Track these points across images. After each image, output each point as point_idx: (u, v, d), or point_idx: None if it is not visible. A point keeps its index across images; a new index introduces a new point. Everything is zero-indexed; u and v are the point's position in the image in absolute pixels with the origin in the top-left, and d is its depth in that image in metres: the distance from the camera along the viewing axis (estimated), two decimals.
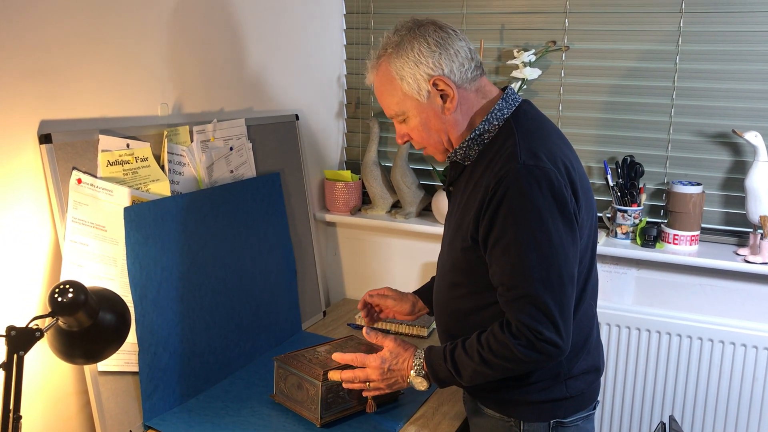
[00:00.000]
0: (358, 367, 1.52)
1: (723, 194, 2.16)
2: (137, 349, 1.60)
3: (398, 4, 2.49)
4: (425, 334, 2.19)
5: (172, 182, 1.75)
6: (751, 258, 2.02)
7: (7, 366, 1.14)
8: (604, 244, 2.17)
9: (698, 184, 2.10)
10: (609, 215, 2.24)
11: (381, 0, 2.51)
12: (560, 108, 2.30)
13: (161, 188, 1.71)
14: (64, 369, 1.53)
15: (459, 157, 1.45)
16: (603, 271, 2.25)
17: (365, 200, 2.61)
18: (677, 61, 2.13)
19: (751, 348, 2.03)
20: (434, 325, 2.18)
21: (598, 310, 2.17)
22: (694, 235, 2.11)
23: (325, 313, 2.41)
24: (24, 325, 1.17)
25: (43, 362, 1.48)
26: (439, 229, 2.32)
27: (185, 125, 1.81)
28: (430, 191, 2.49)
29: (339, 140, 2.65)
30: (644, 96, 2.19)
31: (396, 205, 2.55)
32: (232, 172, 1.97)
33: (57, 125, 1.50)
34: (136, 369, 1.61)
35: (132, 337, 1.58)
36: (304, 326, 2.25)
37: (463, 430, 1.68)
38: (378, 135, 2.49)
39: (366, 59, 1.51)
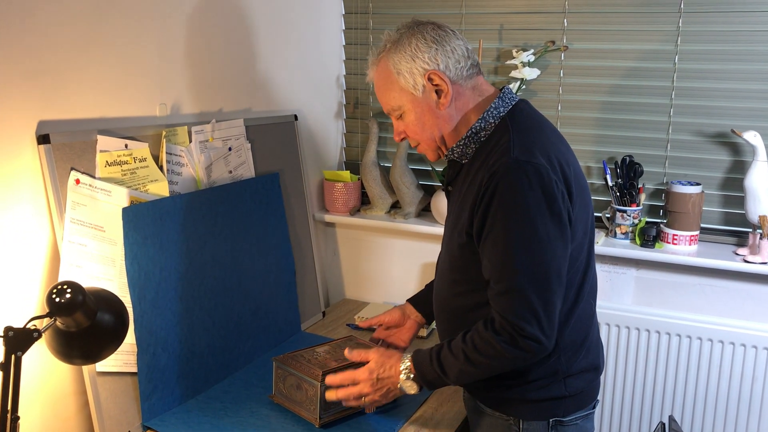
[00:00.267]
0: (350, 385, 1.53)
1: (722, 194, 2.16)
2: (136, 349, 1.60)
3: (397, 4, 2.49)
4: (425, 335, 2.19)
5: (170, 183, 1.75)
6: (750, 258, 2.02)
7: (4, 366, 1.14)
8: (603, 244, 2.17)
9: (697, 184, 2.10)
10: (608, 215, 2.24)
11: (380, 0, 2.51)
12: (559, 108, 2.30)
13: (160, 189, 1.71)
14: (63, 369, 1.53)
15: (456, 155, 1.46)
16: (602, 271, 2.25)
17: (364, 200, 2.61)
18: (676, 61, 2.13)
19: (751, 348, 2.03)
20: (434, 326, 2.18)
21: (597, 310, 2.17)
22: (693, 235, 2.11)
23: (324, 313, 2.41)
24: (22, 326, 1.17)
25: (41, 363, 1.48)
26: (439, 230, 2.32)
27: (184, 126, 1.81)
28: (429, 191, 2.49)
29: (338, 140, 2.65)
30: (643, 96, 2.19)
31: (395, 206, 2.55)
32: (230, 172, 1.97)
33: (55, 126, 1.50)
34: (134, 369, 1.61)
35: (130, 338, 1.58)
36: (303, 327, 2.25)
37: (463, 429, 1.68)
38: (377, 135, 2.49)
39: (365, 59, 1.53)
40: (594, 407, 1.52)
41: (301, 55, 2.38)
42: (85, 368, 1.52)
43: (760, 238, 2.00)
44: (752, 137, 2.00)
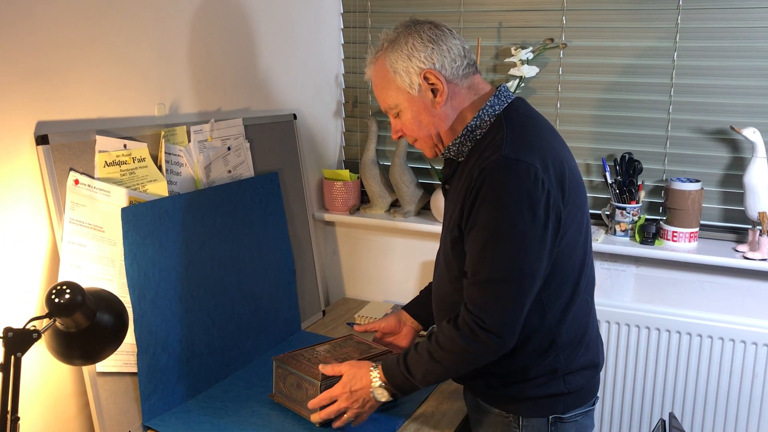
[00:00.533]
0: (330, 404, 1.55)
1: (722, 191, 2.15)
2: (136, 349, 1.60)
3: (395, 2, 2.48)
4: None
5: (169, 182, 1.75)
6: (750, 254, 2.01)
7: (4, 367, 1.14)
8: (603, 242, 2.17)
9: (697, 181, 2.10)
10: (608, 212, 2.24)
11: None
12: (558, 105, 2.30)
13: (159, 188, 1.71)
14: (63, 370, 1.53)
15: (452, 153, 1.47)
16: (602, 268, 2.25)
17: (364, 199, 2.61)
18: (675, 58, 2.13)
19: (751, 344, 2.03)
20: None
21: (597, 307, 2.17)
22: (692, 232, 2.11)
23: (324, 312, 2.41)
24: (21, 327, 1.17)
25: (41, 364, 1.48)
26: (438, 228, 2.32)
27: (182, 125, 1.81)
28: (428, 190, 2.49)
29: (337, 139, 2.65)
30: (642, 93, 2.19)
31: (395, 204, 2.55)
32: (230, 172, 1.97)
33: (54, 126, 1.50)
34: (134, 370, 1.61)
35: (130, 338, 1.58)
36: (303, 326, 2.25)
37: (464, 427, 1.68)
38: (376, 134, 2.49)
39: (364, 58, 1.54)
40: (594, 404, 1.52)
41: (299, 54, 2.38)
42: (85, 369, 1.52)
43: (760, 235, 2.00)
44: (751, 134, 1.99)
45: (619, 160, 2.18)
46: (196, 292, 1.79)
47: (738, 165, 2.11)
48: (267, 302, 2.06)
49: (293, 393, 1.69)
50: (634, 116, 2.21)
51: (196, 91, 1.92)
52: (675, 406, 2.16)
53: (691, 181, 2.09)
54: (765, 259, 2.00)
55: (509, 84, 2.26)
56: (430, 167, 2.50)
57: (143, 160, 1.68)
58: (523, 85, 2.29)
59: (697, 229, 2.12)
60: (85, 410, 1.58)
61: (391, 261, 2.56)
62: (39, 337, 1.15)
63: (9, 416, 1.15)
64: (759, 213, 1.99)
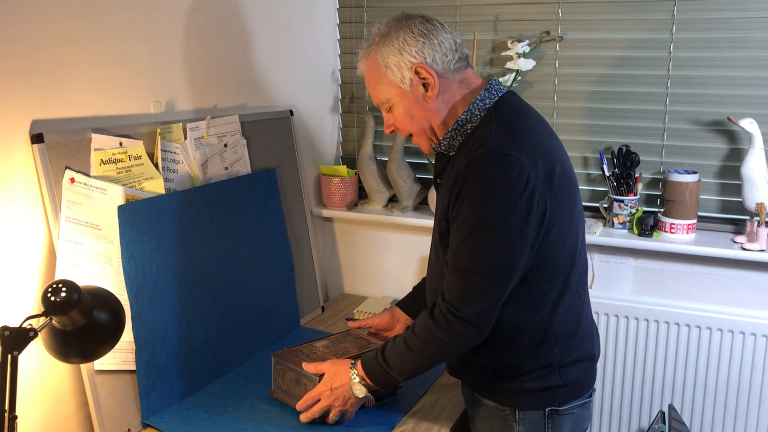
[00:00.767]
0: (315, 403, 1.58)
1: (719, 182, 2.15)
2: (134, 347, 1.60)
3: None
4: None
5: (166, 180, 1.75)
6: (748, 245, 2.01)
7: (1, 366, 1.14)
8: (601, 234, 2.17)
9: (694, 173, 2.09)
10: (606, 205, 2.23)
11: None
12: (555, 99, 2.29)
13: (155, 186, 1.71)
14: (62, 369, 1.53)
15: (443, 147, 1.47)
16: (600, 261, 2.25)
17: (362, 195, 2.60)
18: (671, 50, 2.13)
19: (750, 335, 2.03)
20: None
21: (596, 300, 2.18)
22: (690, 224, 2.11)
23: (323, 308, 2.41)
24: (18, 325, 1.17)
25: (40, 362, 1.48)
26: None
27: (179, 122, 1.81)
28: (426, 185, 2.49)
29: (334, 135, 2.65)
30: (639, 85, 2.19)
31: (392, 200, 2.55)
32: (226, 168, 1.97)
33: (49, 125, 1.50)
34: (133, 367, 1.61)
35: (129, 336, 1.58)
36: (302, 322, 2.25)
37: (463, 421, 1.68)
38: (373, 129, 2.48)
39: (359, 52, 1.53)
40: (591, 396, 1.52)
41: (295, 50, 2.38)
42: (84, 367, 1.52)
43: (758, 226, 2.00)
44: (748, 125, 1.99)
45: (616, 152, 2.18)
46: (194, 290, 1.79)
47: (735, 156, 2.11)
48: (265, 299, 2.06)
49: (292, 389, 1.69)
50: (631, 108, 2.21)
51: (192, 88, 1.92)
52: (674, 398, 2.16)
53: (688, 173, 2.09)
54: (763, 250, 2.00)
55: (506, 77, 2.25)
56: (427, 162, 2.50)
57: (139, 157, 1.68)
58: (519, 78, 2.28)
59: (695, 221, 2.12)
60: (84, 408, 1.58)
61: (390, 256, 2.56)
62: (35, 335, 1.15)
63: (7, 415, 1.15)
64: (757, 204, 1.99)
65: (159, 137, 1.74)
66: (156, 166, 1.72)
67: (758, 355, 2.04)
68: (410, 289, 1.84)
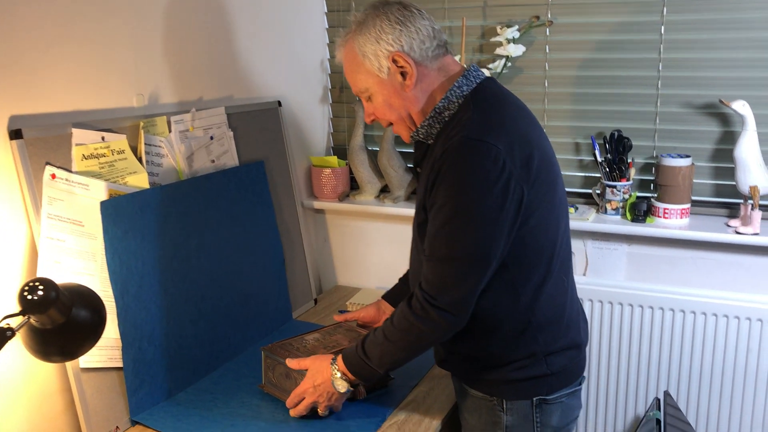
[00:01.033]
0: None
1: (712, 166, 2.13)
2: (120, 344, 1.58)
3: None
4: None
5: (150, 174, 1.73)
6: (742, 229, 1.99)
7: None
8: (594, 221, 2.14)
9: (687, 157, 2.07)
10: (598, 191, 2.21)
11: None
12: (546, 84, 2.27)
13: (139, 181, 1.68)
14: (47, 368, 1.51)
15: (422, 135, 1.45)
16: (594, 247, 2.23)
17: (353, 186, 2.58)
18: (662, 32, 2.09)
19: (745, 320, 2.01)
20: None
21: (590, 287, 2.16)
22: (684, 208, 2.09)
23: (316, 300, 2.40)
24: None
25: (24, 362, 1.46)
26: None
27: (162, 115, 1.78)
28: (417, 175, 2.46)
29: (324, 126, 2.62)
30: (630, 69, 2.16)
31: (384, 190, 2.53)
32: (213, 161, 1.94)
33: (28, 120, 1.47)
34: (120, 364, 1.59)
35: (115, 333, 1.57)
36: (295, 315, 2.24)
37: (454, 413, 1.66)
38: (363, 119, 2.45)
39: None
40: (580, 384, 1.50)
41: (282, 40, 2.34)
42: (69, 365, 1.50)
43: (751, 209, 1.98)
44: (741, 107, 1.96)
45: (608, 137, 2.15)
46: (182, 285, 1.77)
47: (728, 139, 2.08)
48: (256, 293, 2.04)
49: (282, 383, 1.67)
50: (622, 93, 2.18)
51: (176, 81, 1.89)
52: (670, 384, 2.14)
53: (681, 157, 2.07)
54: (757, 234, 1.98)
55: (495, 64, 2.23)
56: None
57: (122, 152, 1.66)
58: (509, 64, 2.25)
59: (688, 205, 2.10)
60: (72, 407, 1.56)
61: (383, 247, 2.54)
62: (13, 335, 1.13)
63: None
64: (750, 187, 1.97)
65: (142, 131, 1.71)
66: (140, 160, 1.70)
67: (753, 339, 2.02)
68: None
